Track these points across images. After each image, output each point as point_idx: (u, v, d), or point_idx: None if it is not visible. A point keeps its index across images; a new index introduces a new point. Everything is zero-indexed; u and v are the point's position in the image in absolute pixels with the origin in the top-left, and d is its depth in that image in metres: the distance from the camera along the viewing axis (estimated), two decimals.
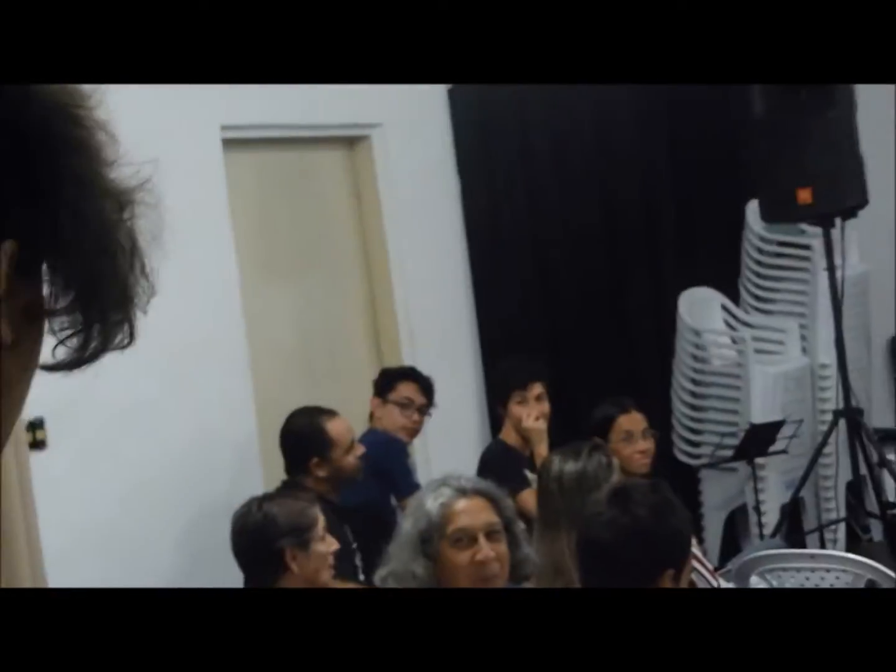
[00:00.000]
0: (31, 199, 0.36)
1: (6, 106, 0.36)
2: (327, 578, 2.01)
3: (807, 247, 2.87)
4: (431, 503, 1.70)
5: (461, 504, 1.69)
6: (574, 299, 2.85)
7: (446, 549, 1.66)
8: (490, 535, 1.65)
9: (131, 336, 0.40)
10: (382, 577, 1.74)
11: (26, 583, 2.33)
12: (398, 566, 1.69)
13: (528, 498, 2.40)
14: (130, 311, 0.39)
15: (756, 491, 2.71)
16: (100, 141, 0.38)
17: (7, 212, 0.35)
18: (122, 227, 0.39)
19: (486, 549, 1.63)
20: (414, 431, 2.70)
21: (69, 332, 0.38)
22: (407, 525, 1.75)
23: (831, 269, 2.69)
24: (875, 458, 2.71)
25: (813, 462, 2.77)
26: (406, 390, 2.68)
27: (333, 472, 2.46)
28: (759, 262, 2.92)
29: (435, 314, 2.82)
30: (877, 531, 2.74)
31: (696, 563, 1.95)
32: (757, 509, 2.76)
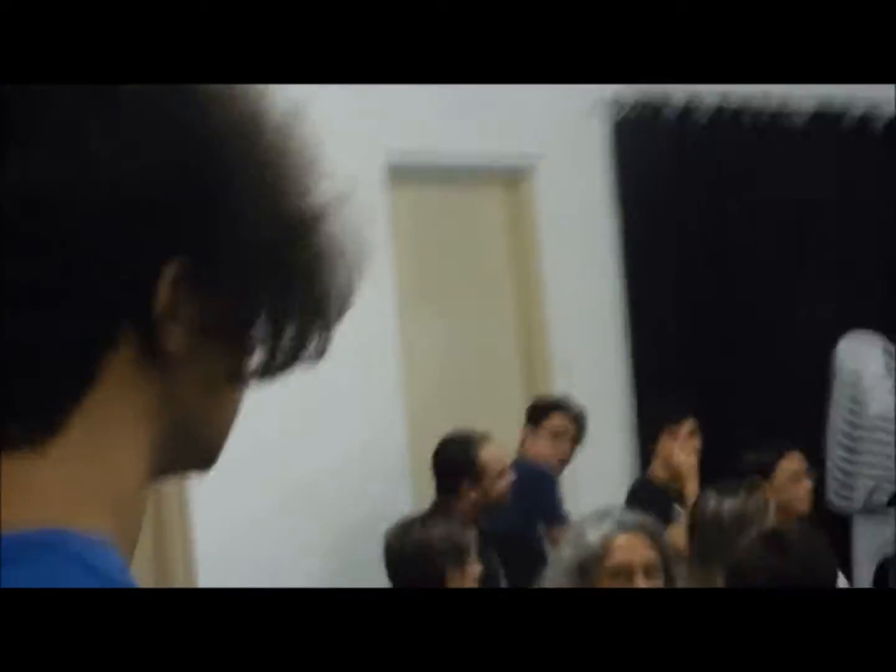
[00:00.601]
0: (205, 217, 0.35)
1: (191, 114, 0.35)
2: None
3: None
4: (593, 534, 1.72)
5: (622, 539, 1.71)
6: (729, 337, 2.90)
7: (604, 581, 1.69)
8: (648, 571, 1.67)
9: (323, 351, 0.39)
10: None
11: (179, 584, 2.47)
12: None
13: (676, 534, 2.44)
14: (319, 327, 0.38)
15: None
16: (292, 157, 0.37)
17: (178, 228, 0.35)
18: (308, 244, 0.38)
19: (642, 586, 1.67)
20: (564, 462, 2.76)
21: (257, 346, 0.37)
22: (566, 553, 1.78)
23: None
24: None
25: None
26: (558, 420, 2.75)
27: (482, 497, 2.52)
28: None
29: (587, 347, 2.89)
30: None
31: None
32: None
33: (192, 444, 0.40)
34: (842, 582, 1.95)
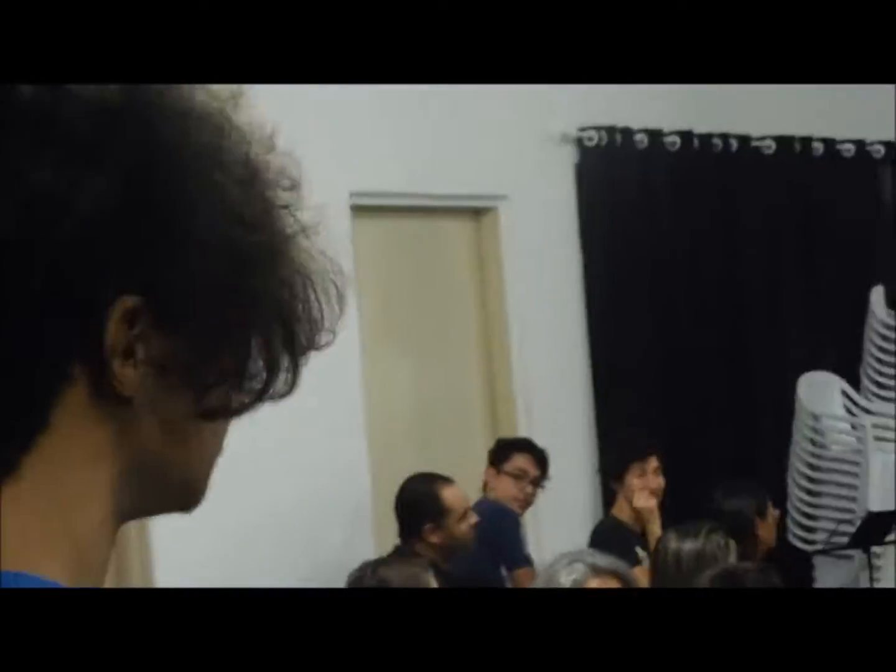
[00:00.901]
0: (159, 252, 0.34)
1: (144, 144, 0.34)
2: None
3: None
4: (565, 578, 1.73)
5: (595, 583, 1.73)
6: (693, 376, 2.96)
7: None
8: None
9: (292, 386, 0.38)
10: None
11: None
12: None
13: (639, 575, 2.45)
14: (287, 362, 0.37)
15: (871, 580, 2.75)
16: (254, 186, 0.36)
17: (129, 264, 0.34)
18: (272, 277, 0.36)
19: None
20: (526, 503, 2.78)
21: (219, 383, 0.36)
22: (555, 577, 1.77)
23: None
24: None
25: None
26: (521, 461, 2.77)
27: (447, 539, 2.55)
28: (881, 349, 2.97)
29: (551, 387, 2.92)
30: None
31: None
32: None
33: (162, 486, 0.39)
34: None
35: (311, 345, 0.37)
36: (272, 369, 0.36)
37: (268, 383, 0.36)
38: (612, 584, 1.73)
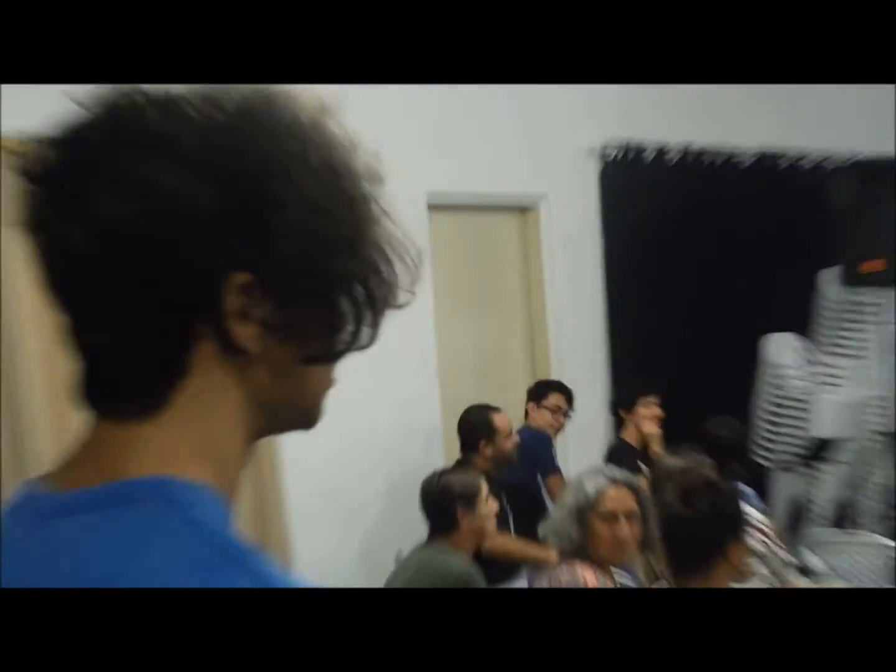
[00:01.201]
0: (267, 236, 0.40)
1: (253, 150, 0.40)
2: (491, 529, 2.48)
3: (870, 306, 3.68)
4: (590, 486, 2.03)
5: (612, 491, 2.01)
6: (688, 338, 3.69)
7: (596, 522, 1.99)
8: (629, 517, 1.98)
9: (372, 340, 0.46)
10: (545, 531, 2.16)
11: (275, 528, 2.96)
12: (559, 527, 2.07)
13: (642, 484, 3.25)
14: (369, 323, 0.45)
15: (816, 486, 3.57)
16: (344, 182, 0.43)
17: (242, 247, 0.40)
18: (358, 256, 0.43)
19: (625, 529, 1.97)
20: (558, 429, 3.44)
21: (315, 337, 0.43)
22: (569, 499, 2.08)
23: (890, 324, 3.50)
24: None
25: (864, 469, 3.62)
26: (554, 398, 3.36)
27: (496, 453, 3.05)
28: (828, 316, 3.74)
29: (577, 342, 3.65)
30: None
31: (761, 534, 2.44)
32: (814, 504, 3.62)
33: (282, 413, 0.46)
34: (754, 514, 2.38)
35: (390, 304, 0.45)
36: (357, 325, 0.44)
37: (354, 336, 0.44)
38: (624, 491, 2.04)
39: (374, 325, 0.46)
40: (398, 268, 0.46)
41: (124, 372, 0.43)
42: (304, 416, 0.49)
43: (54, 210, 0.41)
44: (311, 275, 0.43)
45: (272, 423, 0.47)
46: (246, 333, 0.42)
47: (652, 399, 3.43)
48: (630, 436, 3.48)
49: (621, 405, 3.56)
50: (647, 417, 3.40)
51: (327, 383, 0.49)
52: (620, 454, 3.32)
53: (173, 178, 0.39)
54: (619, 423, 3.57)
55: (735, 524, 1.80)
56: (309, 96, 0.45)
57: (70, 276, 0.42)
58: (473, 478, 2.48)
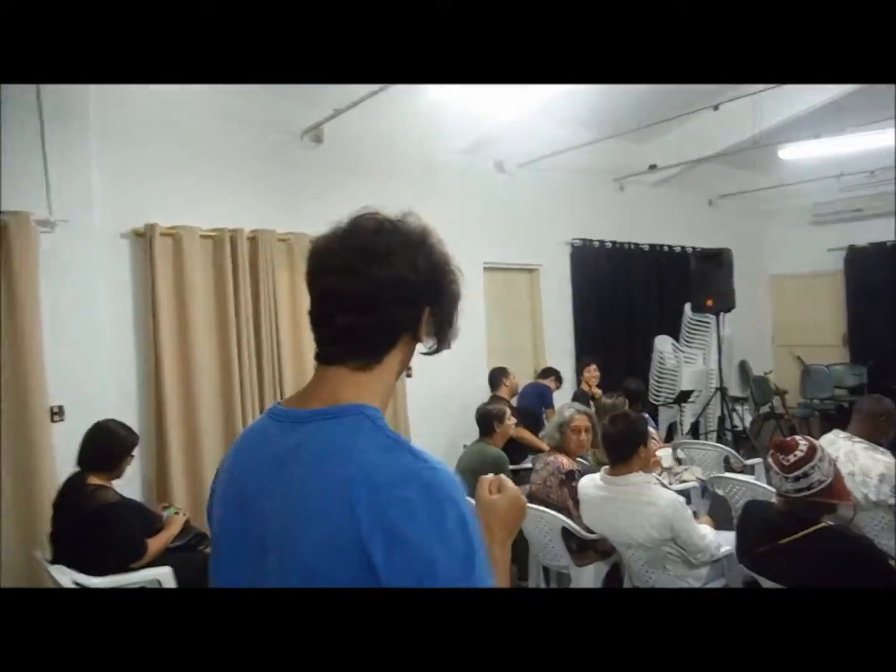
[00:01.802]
0: (441, 284, 0.91)
1: (422, 249, 0.89)
2: (513, 432, 3.86)
3: (707, 323, 6.95)
4: (566, 413, 3.25)
5: (577, 415, 3.23)
6: (617, 338, 6.81)
7: (568, 432, 3.22)
8: (586, 431, 3.21)
9: (449, 345, 0.95)
10: (542, 436, 3.73)
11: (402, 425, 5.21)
12: (549, 433, 3.32)
13: (592, 413, 6.28)
14: (453, 334, 0.95)
15: (681, 415, 6.70)
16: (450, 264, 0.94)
17: (427, 297, 0.89)
18: (455, 299, 0.94)
19: (584, 436, 3.20)
20: (553, 390, 6.42)
21: (433, 341, 0.94)
22: (555, 419, 3.31)
23: (719, 332, 6.76)
24: (730, 407, 6.73)
25: (705, 407, 6.82)
26: (551, 379, 5.86)
27: (511, 390, 5.17)
28: (688, 328, 7.00)
29: (559, 342, 6.66)
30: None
31: (654, 441, 3.70)
32: (681, 424, 6.76)
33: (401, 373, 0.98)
34: (651, 430, 3.51)
35: (453, 333, 0.98)
36: (450, 337, 0.98)
37: (445, 342, 0.98)
38: (583, 416, 3.22)
39: (454, 337, 0.95)
40: (454, 321, 0.95)
41: (367, 344, 0.89)
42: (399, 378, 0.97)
43: (353, 262, 0.88)
44: (451, 309, 0.93)
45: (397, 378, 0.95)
46: (424, 331, 0.91)
47: (594, 367, 6.26)
48: (584, 387, 6.54)
49: (580, 369, 6.72)
50: (592, 377, 6.17)
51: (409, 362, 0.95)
52: (580, 397, 6.05)
53: (399, 264, 0.88)
54: (579, 381, 6.64)
55: (641, 436, 2.75)
56: (420, 225, 0.92)
57: (342, 294, 0.88)
58: (502, 406, 3.96)
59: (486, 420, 3.77)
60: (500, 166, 6.40)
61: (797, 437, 2.39)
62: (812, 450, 2.29)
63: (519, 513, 0.99)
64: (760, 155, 6.62)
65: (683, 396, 6.57)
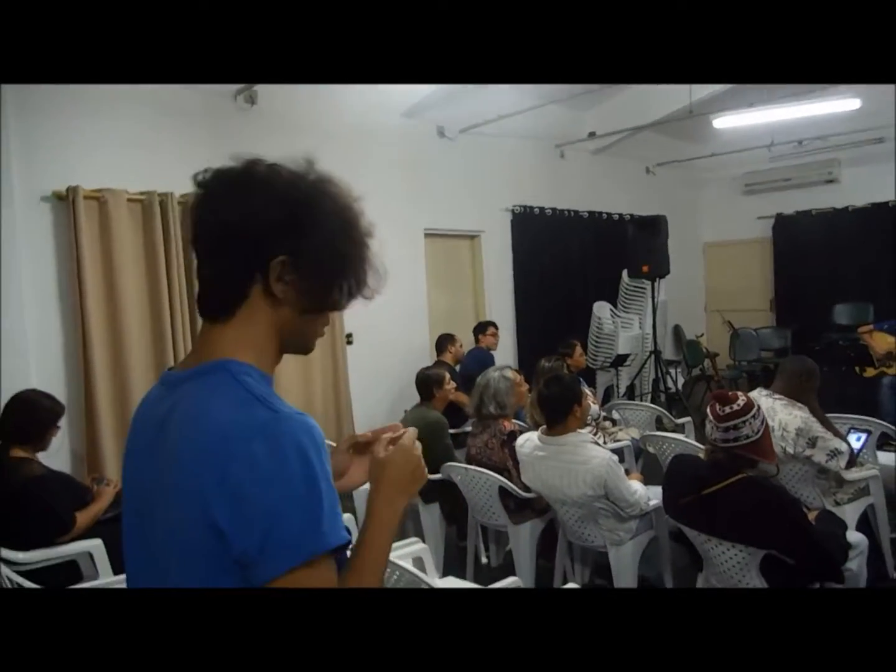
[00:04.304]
0: (301, 237, 0.76)
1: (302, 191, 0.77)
2: (453, 396, 3.86)
3: (644, 288, 7.13)
4: (503, 371, 3.60)
5: (510, 372, 3.64)
6: (557, 304, 6.94)
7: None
8: (524, 383, 3.69)
9: (372, 294, 0.81)
10: (478, 383, 3.74)
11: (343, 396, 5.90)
12: (482, 381, 3.55)
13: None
14: (363, 290, 0.82)
15: (617, 378, 6.93)
16: (353, 213, 0.81)
17: (284, 241, 0.76)
18: (360, 253, 0.81)
19: (523, 388, 3.60)
20: (492, 349, 6.65)
21: (327, 297, 0.81)
22: (488, 375, 3.73)
23: (654, 297, 6.96)
24: (664, 369, 6.98)
25: (640, 370, 7.05)
26: (491, 330, 5.88)
27: (455, 355, 5.26)
28: (624, 293, 7.18)
29: (500, 304, 6.75)
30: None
31: (591, 401, 4.10)
32: (617, 387, 6.99)
33: (292, 340, 0.85)
34: (586, 391, 3.85)
35: (363, 295, 0.85)
36: (356, 291, 0.84)
37: (337, 306, 0.85)
38: (522, 378, 3.70)
39: (368, 291, 0.82)
40: (372, 275, 0.83)
41: (215, 294, 0.82)
42: (303, 347, 0.86)
43: (207, 207, 0.81)
44: (323, 265, 0.79)
45: (286, 345, 0.84)
46: (280, 289, 0.80)
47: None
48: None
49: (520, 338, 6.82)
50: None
51: (319, 331, 0.85)
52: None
53: (262, 203, 0.77)
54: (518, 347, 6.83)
55: (575, 396, 2.88)
56: (343, 186, 0.83)
57: (200, 240, 0.82)
58: (441, 371, 3.92)
59: (426, 384, 3.78)
60: (442, 131, 6.34)
61: (738, 392, 2.50)
62: (748, 406, 2.41)
63: (413, 472, 0.95)
64: (696, 125, 6.77)
65: (620, 360, 6.81)
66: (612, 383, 7.06)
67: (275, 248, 0.82)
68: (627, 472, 3.40)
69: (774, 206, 8.50)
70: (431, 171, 6.21)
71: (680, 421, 4.82)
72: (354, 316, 5.43)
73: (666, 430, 4.51)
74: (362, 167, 5.56)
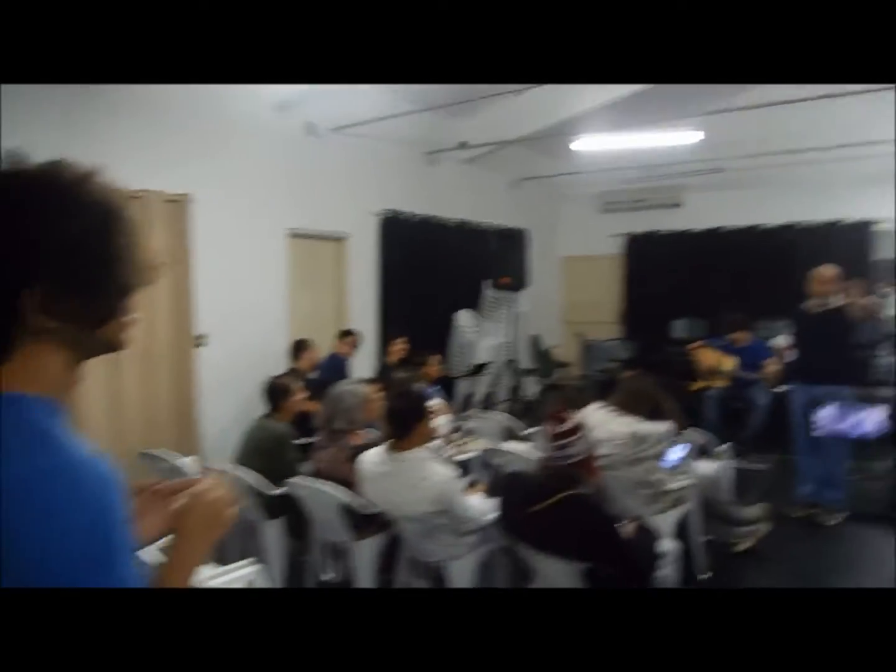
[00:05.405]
0: (50, 257, 0.68)
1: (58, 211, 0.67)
2: (302, 405, 3.73)
3: (505, 299, 7.38)
4: (350, 386, 3.83)
5: (370, 388, 3.85)
6: (419, 311, 6.95)
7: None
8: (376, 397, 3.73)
9: (143, 284, 0.77)
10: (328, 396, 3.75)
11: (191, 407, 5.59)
12: (333, 394, 3.61)
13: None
14: (113, 308, 0.77)
15: (476, 387, 7.13)
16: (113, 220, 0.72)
17: (34, 276, 0.69)
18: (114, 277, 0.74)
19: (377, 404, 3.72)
20: (350, 355, 6.46)
21: (91, 316, 0.76)
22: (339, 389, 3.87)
23: (513, 308, 7.21)
24: (520, 378, 7.25)
25: (497, 379, 7.29)
26: (349, 338, 5.70)
27: (311, 363, 5.13)
28: (487, 303, 7.40)
29: (363, 310, 6.77)
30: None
31: (445, 412, 4.20)
32: (474, 394, 7.18)
33: (91, 348, 0.81)
34: (435, 403, 3.83)
35: (129, 294, 0.77)
36: (113, 310, 0.78)
37: (111, 314, 0.77)
38: (376, 387, 4.04)
39: (119, 307, 0.78)
40: (136, 275, 0.78)
41: None
42: (108, 350, 0.82)
43: None
44: (81, 286, 0.75)
45: (85, 356, 0.80)
46: (39, 321, 0.74)
47: (399, 341, 6.39)
48: (389, 358, 6.70)
49: (387, 344, 6.81)
50: (395, 351, 6.40)
51: (119, 329, 0.81)
52: (385, 370, 6.45)
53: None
54: (384, 354, 6.72)
55: (420, 412, 2.90)
56: (73, 167, 0.69)
57: None
58: (289, 380, 3.74)
59: (273, 394, 3.68)
60: (312, 128, 6.19)
61: (569, 412, 2.64)
62: (577, 427, 2.56)
63: (213, 520, 0.92)
64: (561, 143, 7.09)
65: (479, 369, 7.01)
66: (472, 391, 7.22)
67: (24, 281, 0.74)
68: (474, 483, 3.51)
69: (627, 226, 9.10)
70: (298, 169, 6.05)
71: (531, 430, 5.02)
72: (209, 316, 5.22)
73: (517, 440, 4.67)
74: (228, 163, 5.33)
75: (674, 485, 3.62)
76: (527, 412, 6.88)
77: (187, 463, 3.69)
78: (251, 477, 3.31)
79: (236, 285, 5.51)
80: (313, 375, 5.23)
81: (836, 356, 4.38)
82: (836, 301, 4.40)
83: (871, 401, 5.02)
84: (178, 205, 5.02)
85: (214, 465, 3.74)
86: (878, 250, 7.52)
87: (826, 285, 4.41)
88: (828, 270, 4.49)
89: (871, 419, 3.33)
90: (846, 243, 7.49)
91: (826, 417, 3.43)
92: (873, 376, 6.54)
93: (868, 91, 5.00)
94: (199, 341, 5.07)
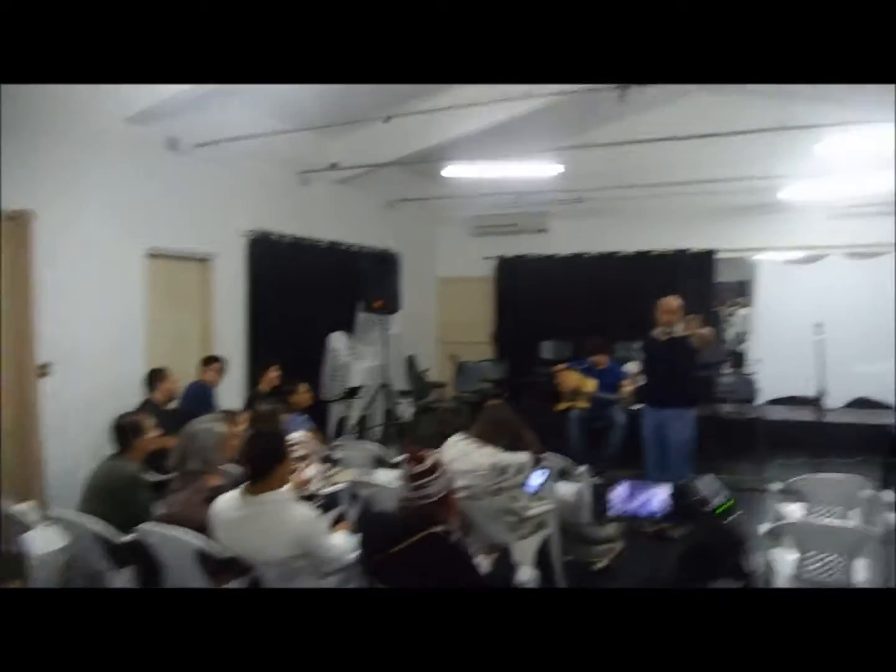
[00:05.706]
0: None
1: None
2: (154, 443, 3.55)
3: (378, 321, 7.37)
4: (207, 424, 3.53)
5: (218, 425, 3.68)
6: (292, 336, 6.75)
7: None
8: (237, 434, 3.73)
9: None
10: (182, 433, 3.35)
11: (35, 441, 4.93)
12: (188, 432, 3.44)
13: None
14: None
15: (350, 411, 7.06)
16: None
17: None
18: None
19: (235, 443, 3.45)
20: (216, 383, 6.05)
21: None
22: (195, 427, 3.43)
23: (387, 331, 7.21)
24: (394, 400, 7.25)
25: (370, 403, 7.25)
26: (216, 365, 5.54)
27: (169, 394, 4.90)
28: (359, 326, 7.35)
29: (229, 334, 6.55)
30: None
31: (305, 447, 3.77)
32: (349, 418, 7.10)
33: None
34: (298, 437, 3.65)
35: None
36: None
37: None
38: (234, 426, 4.32)
39: None
40: None
41: None
42: None
43: None
44: None
45: None
46: None
47: (273, 369, 5.79)
48: (264, 384, 6.26)
49: (258, 371, 6.56)
50: (268, 379, 5.78)
51: None
52: (254, 399, 6.11)
53: None
54: (254, 381, 6.28)
55: (278, 455, 2.78)
56: None
57: None
58: (140, 418, 3.52)
59: (121, 433, 3.44)
60: (174, 143, 5.90)
61: (427, 452, 2.65)
62: (435, 466, 2.58)
63: None
64: (434, 166, 7.21)
65: (352, 392, 6.98)
66: (346, 415, 7.15)
67: None
68: (341, 518, 3.44)
69: (498, 249, 9.40)
70: (159, 185, 5.76)
71: (401, 458, 4.99)
72: (55, 343, 4.84)
73: (389, 467, 4.64)
74: (82, 178, 4.98)
75: (535, 510, 3.75)
76: (400, 435, 6.90)
77: (23, 510, 3.40)
78: (97, 524, 3.09)
79: (86, 309, 5.14)
80: (173, 405, 5.01)
81: (681, 381, 4.73)
82: (679, 330, 4.75)
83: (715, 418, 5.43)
84: (17, 222, 4.66)
85: (55, 510, 3.44)
86: (721, 274, 8.58)
87: (671, 315, 4.77)
88: (672, 301, 4.86)
89: (657, 499, 3.68)
90: (694, 269, 8.22)
91: (617, 497, 3.73)
92: (716, 394, 7.13)
93: (716, 135, 5.49)
94: (42, 371, 4.67)
